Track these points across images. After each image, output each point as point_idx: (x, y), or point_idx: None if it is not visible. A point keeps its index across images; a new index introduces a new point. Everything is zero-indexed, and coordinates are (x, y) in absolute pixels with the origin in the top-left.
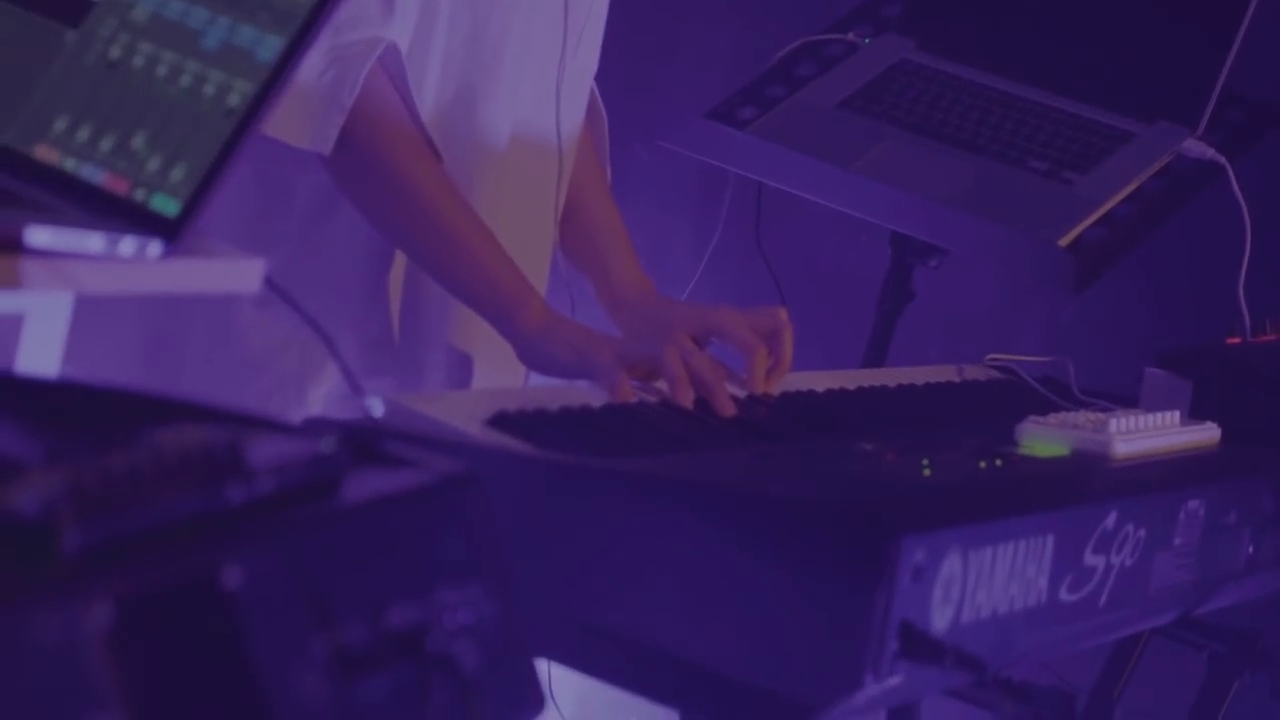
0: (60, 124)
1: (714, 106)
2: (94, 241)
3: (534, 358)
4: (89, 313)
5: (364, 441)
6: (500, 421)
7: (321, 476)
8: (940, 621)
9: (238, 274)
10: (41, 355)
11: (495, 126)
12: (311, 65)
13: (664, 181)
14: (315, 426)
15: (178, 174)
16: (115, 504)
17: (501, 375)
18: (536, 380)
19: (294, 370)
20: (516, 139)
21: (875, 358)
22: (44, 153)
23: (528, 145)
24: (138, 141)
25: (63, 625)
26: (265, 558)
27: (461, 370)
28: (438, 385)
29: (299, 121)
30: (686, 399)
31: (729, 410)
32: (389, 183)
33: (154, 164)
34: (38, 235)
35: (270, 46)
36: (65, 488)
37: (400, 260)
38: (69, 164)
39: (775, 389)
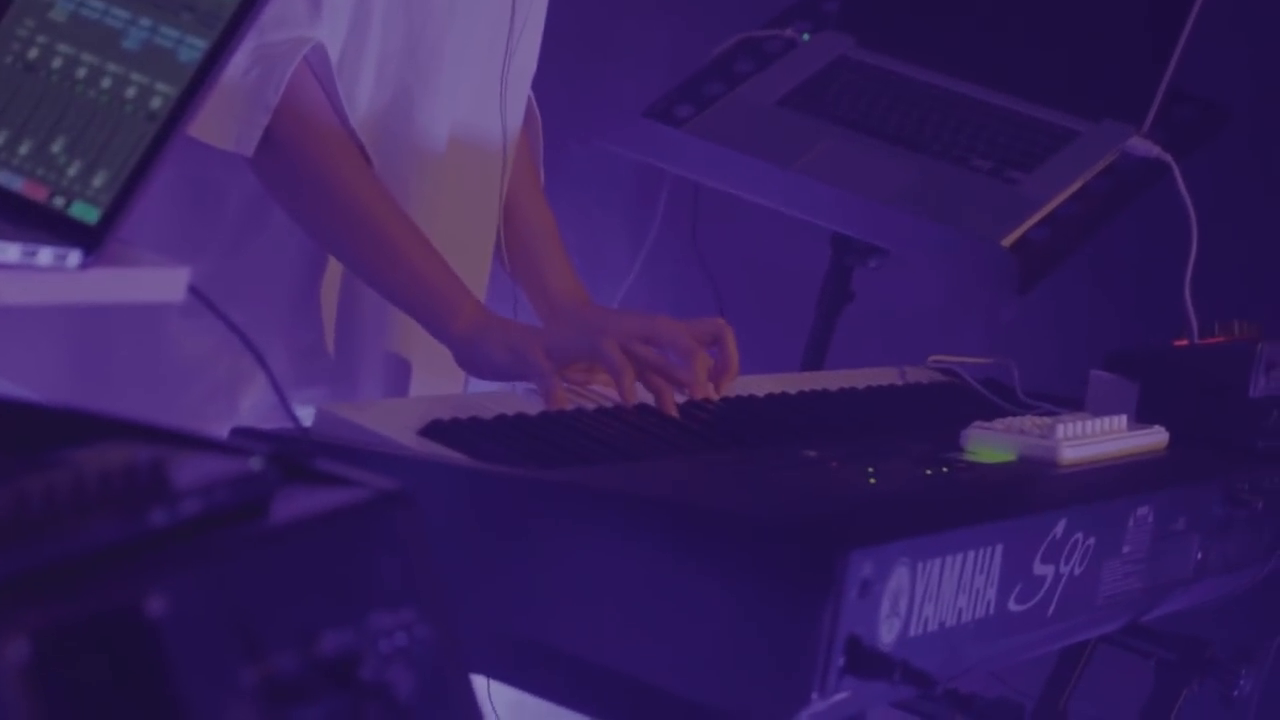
0: None
1: (651, 104)
2: (10, 252)
3: (470, 361)
4: (11, 323)
5: (294, 458)
6: (434, 430)
7: (249, 497)
8: (888, 635)
9: (161, 283)
10: None
11: (433, 130)
12: (235, 65)
13: (600, 179)
14: (243, 438)
15: (98, 180)
16: (31, 531)
17: (440, 383)
18: (476, 386)
19: (224, 381)
20: (455, 142)
21: (814, 360)
22: None
23: (467, 148)
24: (57, 146)
25: None
26: (191, 584)
27: (399, 379)
28: (374, 394)
29: (222, 122)
30: (631, 389)
31: (671, 409)
32: (318, 185)
33: (73, 170)
34: None
35: (193, 48)
36: None
37: (335, 266)
38: None
39: (721, 393)
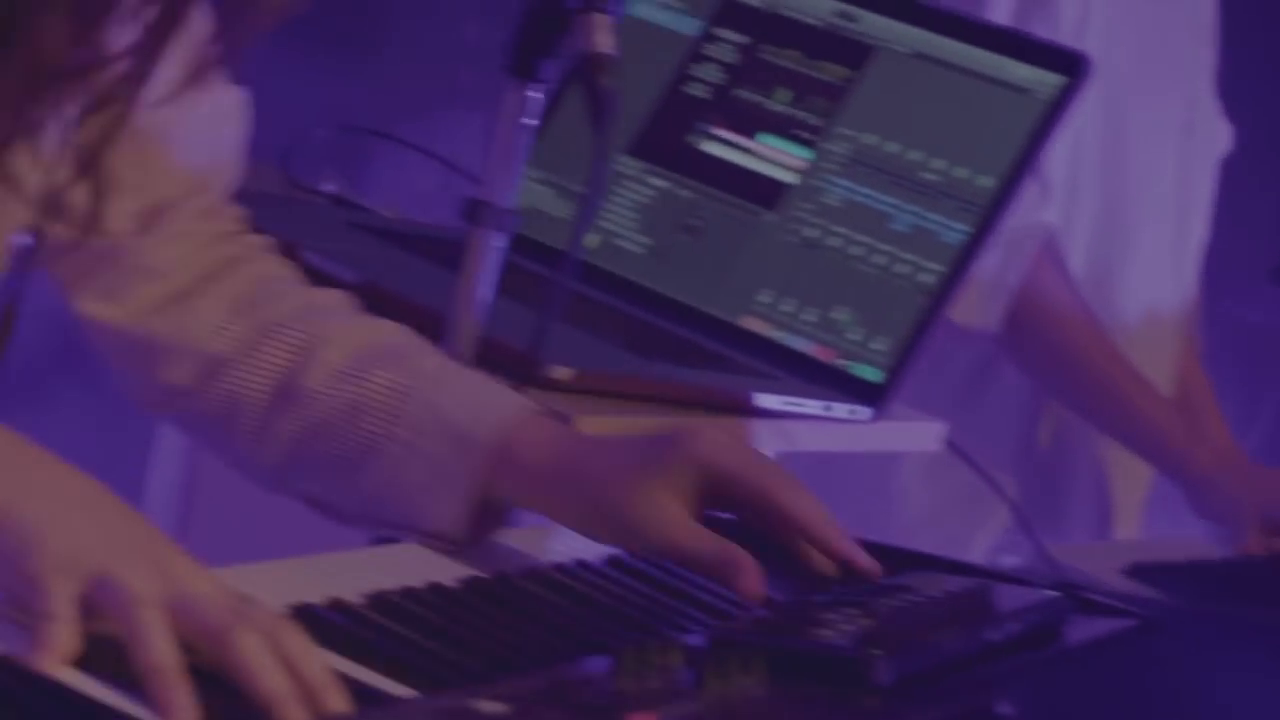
0: (764, 297)
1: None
2: (812, 406)
3: (1199, 506)
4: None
5: (1074, 590)
6: (1136, 571)
7: (1050, 620)
8: None
9: (921, 435)
10: None
11: (1129, 303)
12: None
13: (1217, 340)
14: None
15: (878, 345)
16: (909, 642)
17: (1131, 527)
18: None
19: (958, 531)
20: (1148, 315)
21: None
22: (750, 322)
23: (1153, 318)
24: (839, 314)
25: None
26: (1026, 692)
27: (1102, 522)
28: (1078, 538)
29: (966, 302)
30: None
31: None
32: (1060, 358)
33: (855, 335)
34: (766, 400)
35: (957, 231)
36: (872, 627)
37: (1046, 424)
38: (775, 334)
39: None
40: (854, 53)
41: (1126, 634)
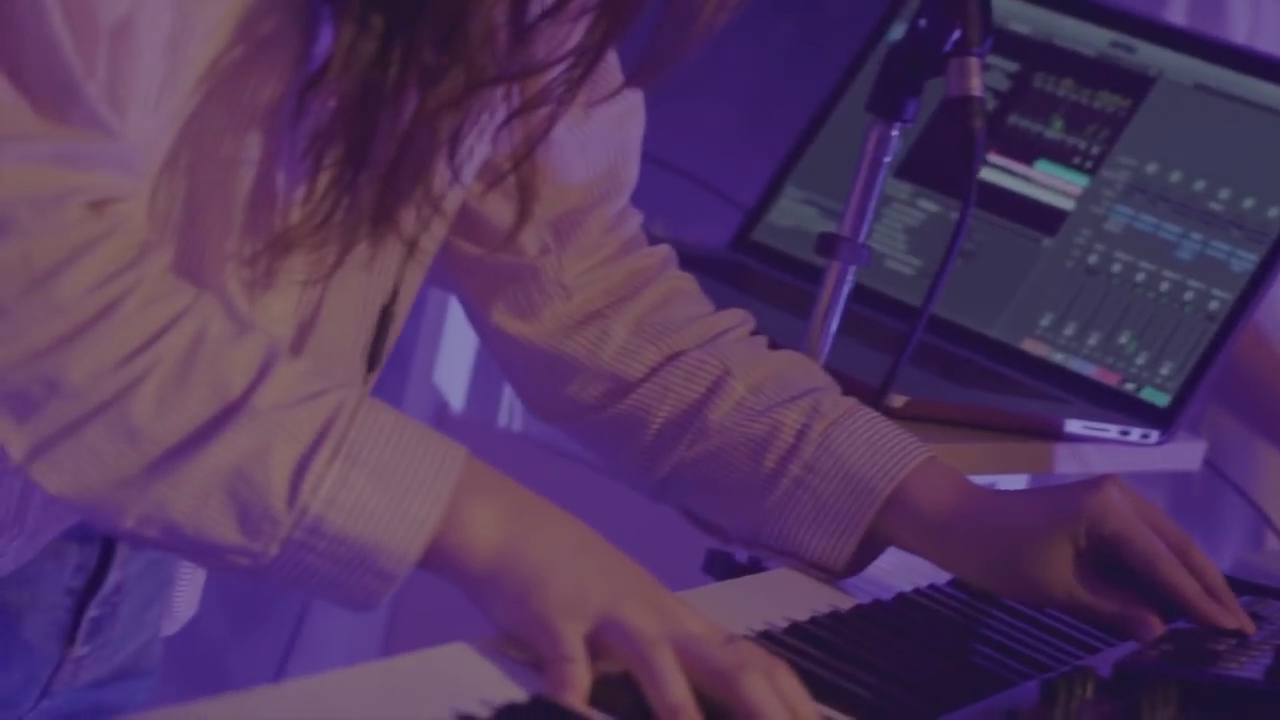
0: (1045, 320)
1: None
2: (1110, 431)
3: None
4: None
5: None
6: None
7: None
8: None
9: (1187, 454)
10: None
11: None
12: None
13: None
14: None
15: (1165, 369)
16: None
17: None
18: None
19: None
20: None
21: None
22: (1032, 345)
23: None
24: (1123, 339)
25: None
26: None
27: (1254, 532)
28: (1235, 548)
29: None
30: None
31: None
32: (1227, 366)
33: (1141, 360)
34: (1073, 425)
35: (1245, 260)
36: (1273, 660)
37: (1204, 435)
38: (1058, 357)
39: None
40: (1132, 83)
41: None
